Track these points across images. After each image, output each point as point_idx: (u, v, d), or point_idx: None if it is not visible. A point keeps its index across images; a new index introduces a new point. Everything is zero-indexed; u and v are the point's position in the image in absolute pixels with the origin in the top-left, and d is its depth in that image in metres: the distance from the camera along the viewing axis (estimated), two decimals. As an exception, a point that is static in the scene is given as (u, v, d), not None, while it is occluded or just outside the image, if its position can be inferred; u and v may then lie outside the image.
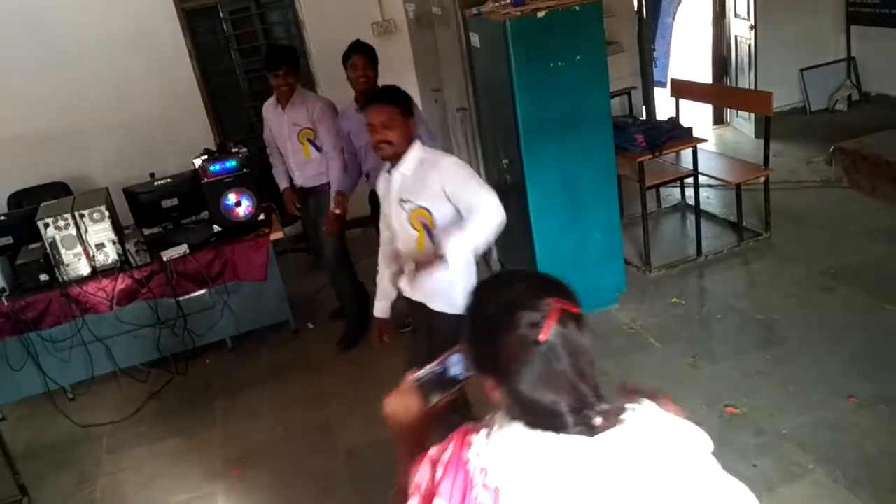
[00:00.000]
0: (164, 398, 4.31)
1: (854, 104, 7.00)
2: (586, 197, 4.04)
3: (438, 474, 1.25)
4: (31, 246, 4.29)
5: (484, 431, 1.24)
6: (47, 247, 4.11)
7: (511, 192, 4.19)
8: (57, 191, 5.23)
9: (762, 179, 4.80)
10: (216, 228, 4.41)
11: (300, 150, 4.36)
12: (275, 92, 4.36)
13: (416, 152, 2.76)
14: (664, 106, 6.36)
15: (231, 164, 4.34)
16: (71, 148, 5.53)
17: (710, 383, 3.57)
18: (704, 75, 7.13)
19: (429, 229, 2.74)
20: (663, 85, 6.67)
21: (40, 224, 4.07)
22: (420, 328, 3.01)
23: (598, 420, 1.16)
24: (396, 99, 2.77)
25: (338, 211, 4.20)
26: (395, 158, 2.77)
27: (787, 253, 4.65)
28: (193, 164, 4.37)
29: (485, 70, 4.26)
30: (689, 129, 4.65)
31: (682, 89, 5.56)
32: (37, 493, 3.69)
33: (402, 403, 1.50)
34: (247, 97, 6.00)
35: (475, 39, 4.22)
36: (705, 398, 3.45)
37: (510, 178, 4.15)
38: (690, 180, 4.91)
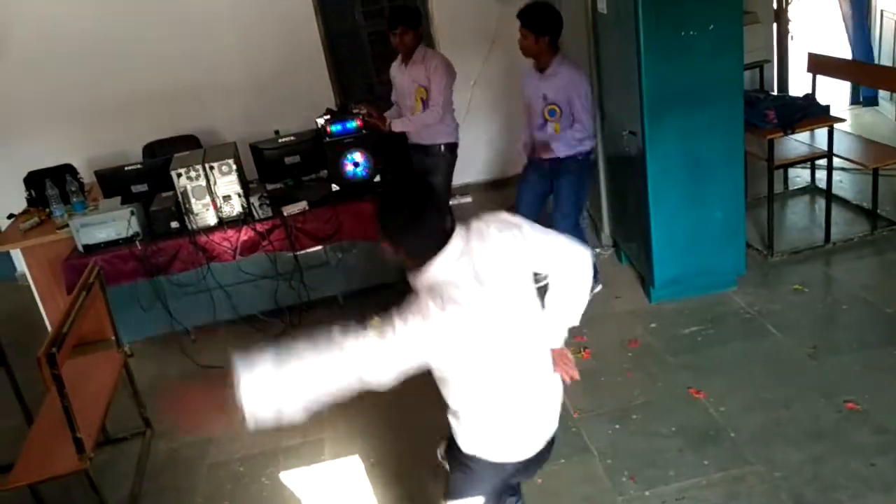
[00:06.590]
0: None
1: None
2: (710, 174, 3.87)
3: None
4: (164, 194, 4.48)
5: None
6: (179, 195, 4.28)
7: (629, 164, 4.09)
8: (188, 143, 5.45)
9: (903, 165, 4.49)
10: (334, 187, 4.51)
11: (415, 108, 4.47)
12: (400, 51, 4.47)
13: None
14: (799, 82, 6.01)
15: (352, 124, 4.41)
16: (201, 103, 5.78)
17: (829, 376, 3.41)
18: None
19: None
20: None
21: (173, 174, 4.23)
22: None
23: None
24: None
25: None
26: None
27: (926, 245, 4.35)
28: (316, 123, 4.47)
29: (610, 37, 4.14)
30: (826, 108, 4.37)
31: (821, 65, 5.23)
32: (159, 426, 3.91)
33: None
34: (369, 59, 6.08)
35: (602, 5, 4.10)
36: (823, 392, 3.30)
37: (629, 150, 4.04)
38: (823, 162, 4.64)
